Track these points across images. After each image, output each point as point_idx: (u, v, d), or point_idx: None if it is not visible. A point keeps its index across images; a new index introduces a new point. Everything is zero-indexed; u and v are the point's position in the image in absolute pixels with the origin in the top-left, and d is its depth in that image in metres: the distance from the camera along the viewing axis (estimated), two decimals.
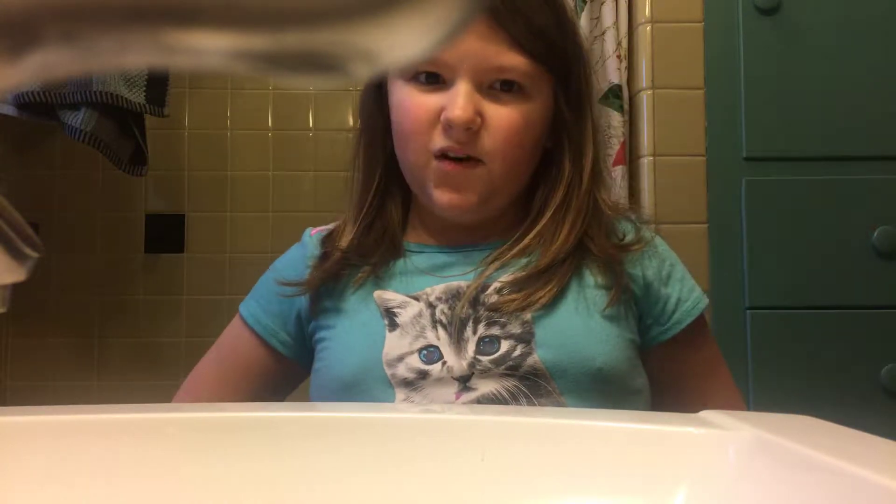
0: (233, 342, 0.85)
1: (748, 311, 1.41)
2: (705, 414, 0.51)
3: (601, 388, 0.73)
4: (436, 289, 0.77)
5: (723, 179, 1.46)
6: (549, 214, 0.77)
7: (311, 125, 1.84)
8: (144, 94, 1.56)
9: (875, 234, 1.41)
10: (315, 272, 0.80)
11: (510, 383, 0.72)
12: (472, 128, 0.71)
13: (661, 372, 0.81)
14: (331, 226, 0.87)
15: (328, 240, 0.83)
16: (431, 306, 0.76)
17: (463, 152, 0.73)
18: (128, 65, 0.15)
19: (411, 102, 0.74)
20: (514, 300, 0.74)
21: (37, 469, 0.50)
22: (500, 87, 0.73)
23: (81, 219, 1.81)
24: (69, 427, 0.52)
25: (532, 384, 0.72)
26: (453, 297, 0.76)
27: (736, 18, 1.47)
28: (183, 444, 0.53)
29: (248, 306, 0.84)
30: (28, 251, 0.20)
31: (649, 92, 1.50)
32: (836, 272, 1.42)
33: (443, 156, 0.73)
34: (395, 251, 0.80)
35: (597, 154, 0.79)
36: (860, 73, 1.45)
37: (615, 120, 1.56)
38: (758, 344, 1.40)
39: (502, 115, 0.72)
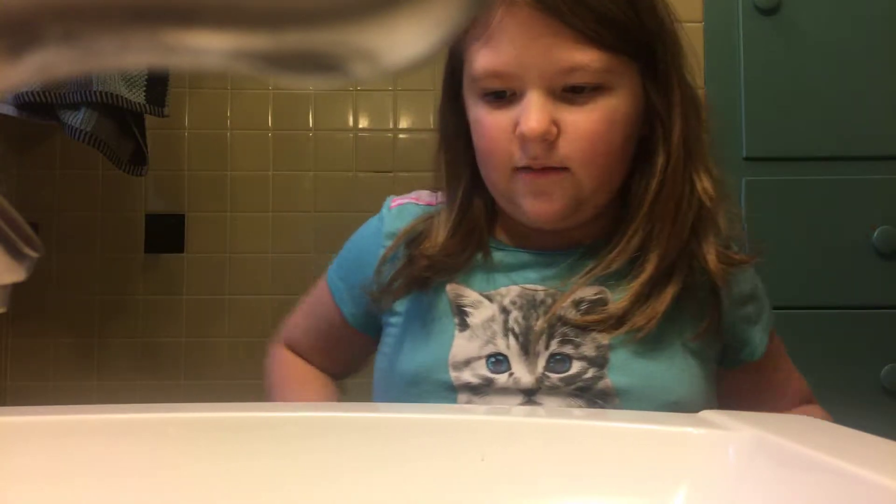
0: (318, 298, 0.86)
1: None
2: (705, 414, 0.51)
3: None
4: (511, 290, 0.73)
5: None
6: (642, 213, 0.70)
7: (311, 125, 1.84)
8: (144, 94, 1.56)
9: (875, 234, 1.41)
10: (400, 280, 0.76)
11: (577, 402, 0.70)
12: (549, 139, 0.67)
13: (731, 392, 0.77)
14: (412, 196, 0.83)
15: (414, 243, 0.78)
16: (505, 311, 0.72)
17: (545, 164, 0.68)
18: (128, 65, 0.15)
19: (485, 121, 0.70)
20: (596, 320, 0.69)
21: (37, 469, 0.50)
22: (575, 88, 0.67)
23: (81, 219, 1.81)
24: (69, 427, 0.52)
25: (600, 406, 0.70)
26: (528, 303, 0.72)
27: (736, 18, 1.47)
28: (183, 445, 0.53)
29: (331, 269, 0.85)
30: (28, 251, 0.20)
31: None
32: (836, 272, 1.42)
33: (526, 168, 0.69)
34: (481, 249, 0.77)
35: (688, 129, 0.71)
36: (860, 73, 1.45)
37: None
38: None
39: (581, 120, 0.67)
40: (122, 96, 1.51)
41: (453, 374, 0.72)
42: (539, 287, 0.73)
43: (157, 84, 1.58)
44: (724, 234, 0.72)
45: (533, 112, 0.66)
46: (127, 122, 1.60)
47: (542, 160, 0.68)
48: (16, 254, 0.20)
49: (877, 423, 0.47)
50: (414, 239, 0.77)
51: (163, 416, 0.56)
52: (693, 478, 0.45)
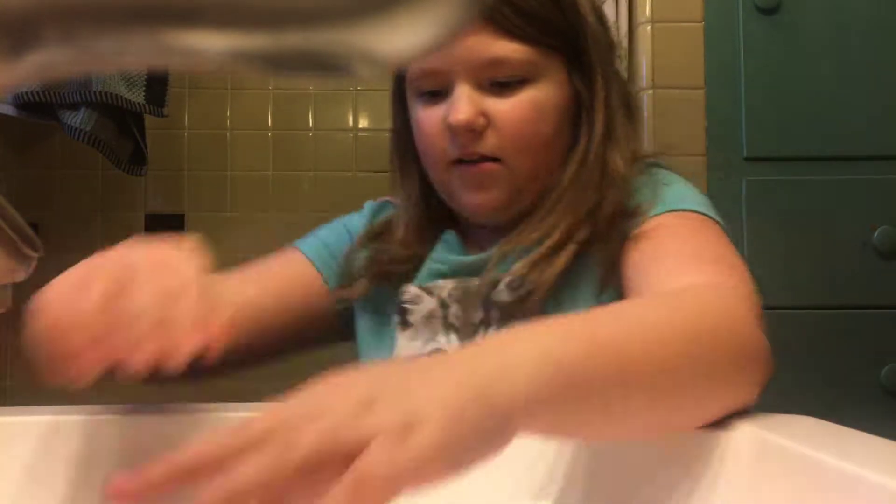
0: (282, 270, 0.81)
1: None
2: None
3: None
4: (448, 283, 0.74)
5: (723, 179, 1.46)
6: (557, 195, 0.72)
7: (311, 125, 1.84)
8: (144, 93, 1.56)
9: (875, 234, 1.41)
10: (363, 277, 0.78)
11: None
12: (477, 129, 0.69)
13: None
14: (389, 197, 0.84)
15: (377, 238, 0.80)
16: (444, 306, 0.73)
17: (476, 154, 0.71)
18: (128, 65, 0.15)
19: (421, 118, 0.73)
20: (521, 298, 0.70)
21: (37, 469, 0.50)
22: (502, 80, 0.70)
23: (81, 219, 1.81)
24: (69, 427, 0.52)
25: None
26: (464, 295, 0.73)
27: (736, 18, 1.47)
28: (183, 444, 0.53)
29: (306, 241, 0.84)
30: (28, 251, 0.20)
31: (649, 92, 1.50)
32: (836, 272, 1.42)
33: (460, 162, 0.71)
34: (436, 244, 0.78)
35: (609, 117, 0.73)
36: (860, 73, 1.45)
37: None
38: None
39: (508, 110, 0.70)
40: (121, 96, 1.51)
41: None
42: (476, 278, 0.73)
43: (157, 84, 1.58)
44: (630, 205, 0.71)
45: (459, 103, 0.69)
46: (127, 121, 1.60)
47: (473, 150, 0.70)
48: (16, 254, 0.20)
49: (877, 423, 0.47)
50: (377, 234, 0.80)
51: (163, 417, 0.56)
52: (693, 478, 0.45)
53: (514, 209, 0.74)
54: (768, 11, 1.46)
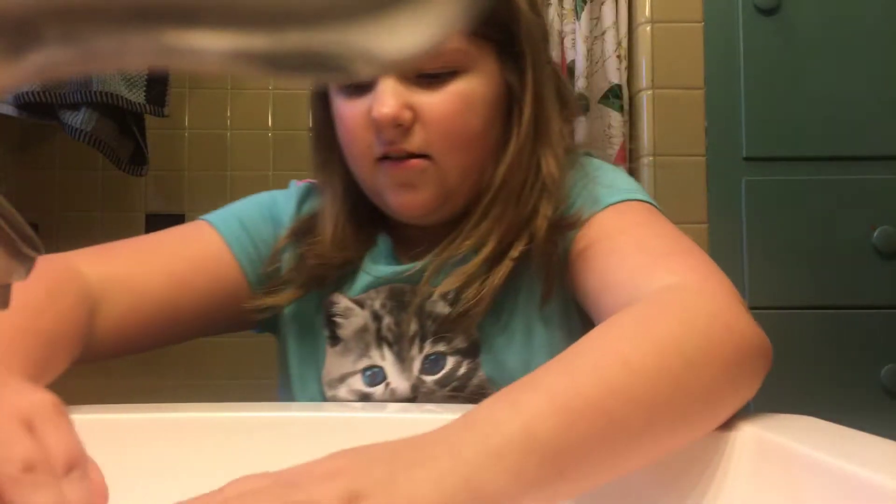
0: (194, 254, 0.72)
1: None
2: None
3: None
4: (380, 293, 0.70)
5: (723, 179, 1.46)
6: (489, 197, 0.68)
7: (311, 125, 1.84)
8: (144, 94, 1.56)
9: (875, 234, 1.41)
10: (291, 282, 0.71)
11: (456, 406, 0.65)
12: (403, 124, 0.64)
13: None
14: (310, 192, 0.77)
15: (303, 238, 0.73)
16: (377, 318, 0.69)
17: (403, 151, 0.65)
18: (128, 65, 0.15)
19: (343, 112, 0.68)
20: (459, 313, 0.66)
21: None
22: (430, 72, 0.65)
23: (81, 219, 1.81)
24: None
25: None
26: (398, 306, 0.69)
27: (736, 18, 1.47)
28: (183, 444, 0.53)
29: (218, 215, 0.75)
30: (28, 251, 0.20)
31: (649, 92, 1.50)
32: (836, 272, 1.42)
33: (385, 158, 0.66)
34: (371, 245, 0.73)
35: (539, 111, 0.69)
36: (860, 73, 1.45)
37: (615, 120, 1.56)
38: None
39: (436, 103, 0.65)
40: (122, 96, 1.51)
41: (328, 393, 0.70)
42: (407, 285, 0.69)
43: (157, 84, 1.58)
44: (561, 207, 0.68)
45: (384, 97, 0.64)
46: (127, 122, 1.60)
47: (399, 146, 0.65)
48: (16, 254, 0.20)
49: (877, 423, 0.47)
50: (305, 231, 0.74)
51: (163, 417, 0.56)
52: (693, 478, 0.45)
53: (444, 210, 0.69)
54: (768, 11, 1.46)
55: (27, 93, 1.49)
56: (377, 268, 0.71)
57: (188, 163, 1.82)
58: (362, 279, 0.71)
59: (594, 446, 0.39)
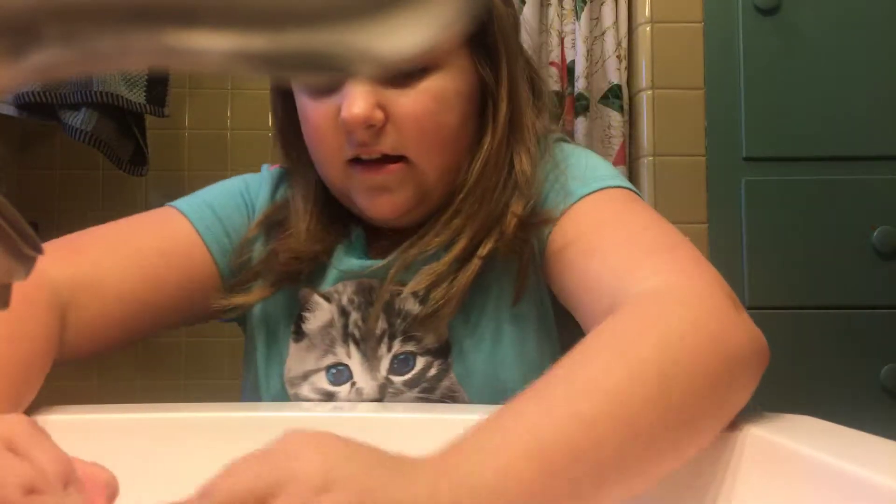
0: (161, 237, 0.69)
1: (748, 312, 1.41)
2: None
3: None
4: (347, 287, 0.68)
5: (723, 179, 1.46)
6: (462, 195, 0.65)
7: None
8: (145, 94, 1.56)
9: (875, 234, 1.41)
10: (261, 277, 0.69)
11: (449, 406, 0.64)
12: (375, 125, 0.61)
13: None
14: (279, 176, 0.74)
15: (273, 232, 0.70)
16: (344, 314, 0.67)
17: (376, 152, 0.62)
18: (128, 65, 0.15)
19: (309, 112, 0.64)
20: (428, 312, 0.64)
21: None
22: (401, 70, 0.62)
23: (81, 219, 1.80)
24: (68, 427, 0.52)
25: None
26: (366, 302, 0.67)
27: (736, 18, 1.47)
28: (183, 445, 0.53)
29: (187, 201, 0.72)
30: (28, 251, 0.20)
31: (649, 92, 1.50)
32: (836, 272, 1.42)
33: (357, 160, 0.63)
34: (345, 239, 0.70)
35: (514, 108, 0.67)
36: (860, 73, 1.45)
37: (615, 120, 1.56)
38: None
39: (409, 102, 0.62)
40: (122, 96, 1.51)
41: (290, 391, 0.68)
42: (375, 281, 0.67)
43: (158, 84, 1.58)
44: (531, 203, 0.66)
45: (354, 97, 0.60)
46: (127, 122, 1.60)
47: (372, 147, 0.62)
48: (16, 254, 0.20)
49: (877, 423, 0.47)
50: (275, 225, 0.71)
51: (163, 417, 0.56)
52: (693, 477, 0.45)
53: (419, 211, 0.66)
54: (768, 11, 1.46)
55: (27, 93, 1.49)
56: (347, 261, 0.68)
57: (188, 163, 1.82)
58: (332, 274, 0.69)
59: (583, 480, 0.38)
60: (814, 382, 1.38)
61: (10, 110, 1.55)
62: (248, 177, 0.77)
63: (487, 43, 0.66)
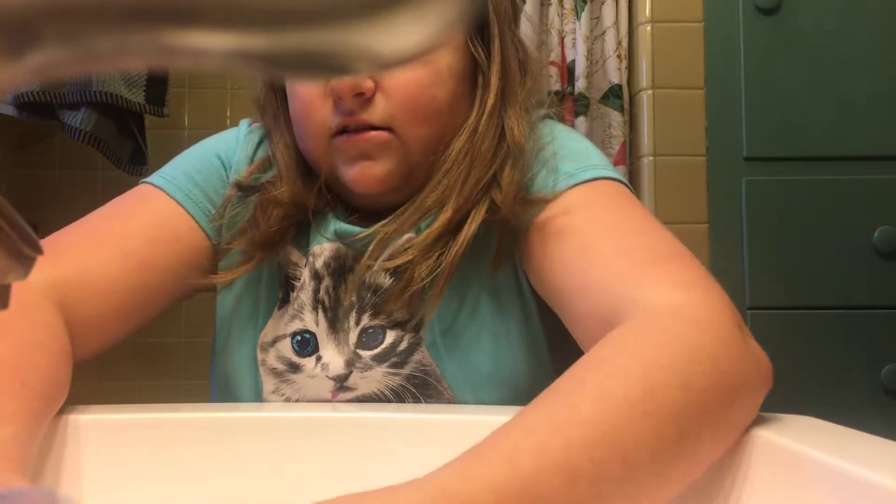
0: (143, 219, 0.67)
1: (748, 311, 1.41)
2: None
3: (501, 394, 0.64)
4: (325, 249, 0.65)
5: (723, 179, 1.46)
6: (447, 166, 0.63)
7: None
8: (144, 93, 1.56)
9: (875, 234, 1.41)
10: (248, 241, 0.65)
11: (395, 382, 0.63)
12: (365, 93, 0.60)
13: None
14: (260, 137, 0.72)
15: (257, 189, 0.67)
16: (317, 277, 0.65)
17: (364, 122, 0.61)
18: (128, 65, 0.15)
19: (296, 84, 0.63)
20: (401, 287, 0.62)
21: (34, 469, 0.50)
22: None
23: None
24: (69, 427, 0.52)
25: (421, 383, 0.63)
26: (339, 269, 0.64)
27: (736, 18, 1.47)
28: (183, 445, 0.53)
29: (164, 173, 0.70)
30: (28, 251, 0.20)
31: (649, 92, 1.50)
32: (836, 272, 1.42)
33: (343, 133, 0.61)
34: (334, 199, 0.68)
35: (505, 83, 0.65)
36: (860, 73, 1.45)
37: (615, 120, 1.56)
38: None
39: (402, 73, 0.61)
40: (121, 96, 1.51)
41: (259, 356, 0.65)
42: (351, 249, 0.65)
43: (157, 84, 1.58)
44: (528, 174, 0.64)
45: None
46: (127, 121, 1.60)
47: (359, 116, 0.60)
48: (16, 254, 0.20)
49: (877, 423, 0.47)
50: (255, 186, 0.68)
51: (162, 417, 0.56)
52: (695, 479, 0.44)
53: (405, 189, 0.64)
54: (768, 11, 1.46)
55: (27, 93, 1.49)
56: (335, 223, 0.66)
57: None
58: (315, 240, 0.67)
59: None
60: (814, 382, 1.38)
61: (9, 110, 1.55)
62: (223, 133, 0.74)
63: (481, 19, 0.65)
